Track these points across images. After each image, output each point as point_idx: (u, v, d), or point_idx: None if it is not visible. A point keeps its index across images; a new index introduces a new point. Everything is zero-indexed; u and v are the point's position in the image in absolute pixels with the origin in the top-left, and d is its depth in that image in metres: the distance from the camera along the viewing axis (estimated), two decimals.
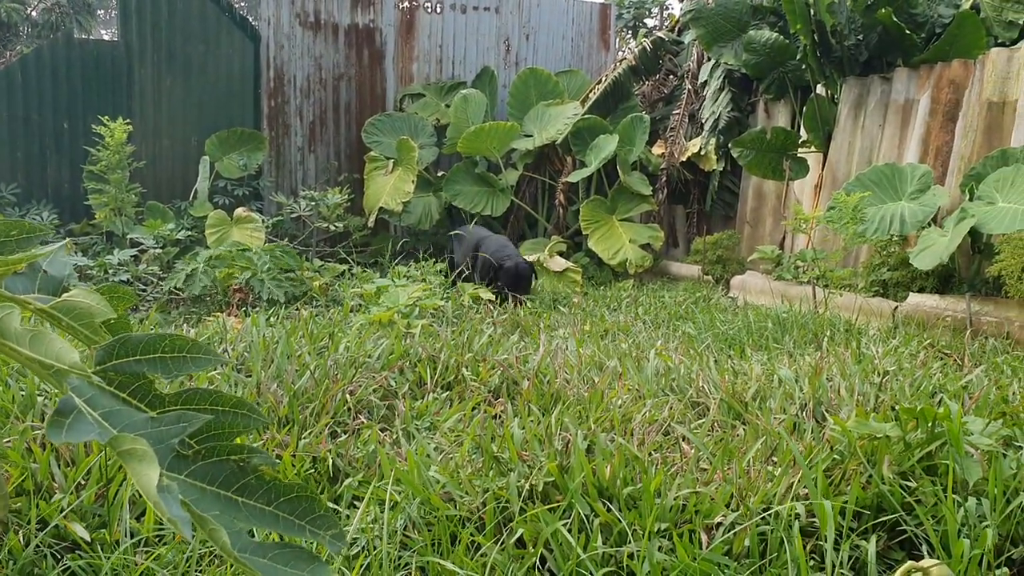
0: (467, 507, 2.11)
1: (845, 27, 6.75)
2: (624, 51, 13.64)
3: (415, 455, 2.27)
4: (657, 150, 8.70)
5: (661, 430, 2.69)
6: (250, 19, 9.15)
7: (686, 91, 8.67)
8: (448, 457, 2.41)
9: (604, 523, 2.02)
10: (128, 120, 7.60)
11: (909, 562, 1.74)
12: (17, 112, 7.98)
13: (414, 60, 9.32)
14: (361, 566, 1.87)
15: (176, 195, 8.42)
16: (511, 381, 3.28)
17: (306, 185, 8.90)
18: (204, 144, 8.36)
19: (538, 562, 1.95)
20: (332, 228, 7.95)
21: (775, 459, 2.42)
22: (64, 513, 1.96)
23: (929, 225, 5.46)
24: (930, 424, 2.27)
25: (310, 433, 2.61)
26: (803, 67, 7.18)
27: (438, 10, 9.35)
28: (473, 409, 2.93)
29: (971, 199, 5.22)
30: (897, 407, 2.47)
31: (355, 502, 2.24)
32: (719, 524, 2.01)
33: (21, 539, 1.88)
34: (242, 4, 19.69)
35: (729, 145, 7.50)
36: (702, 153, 8.21)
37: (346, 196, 8.04)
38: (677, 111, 8.66)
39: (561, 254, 7.73)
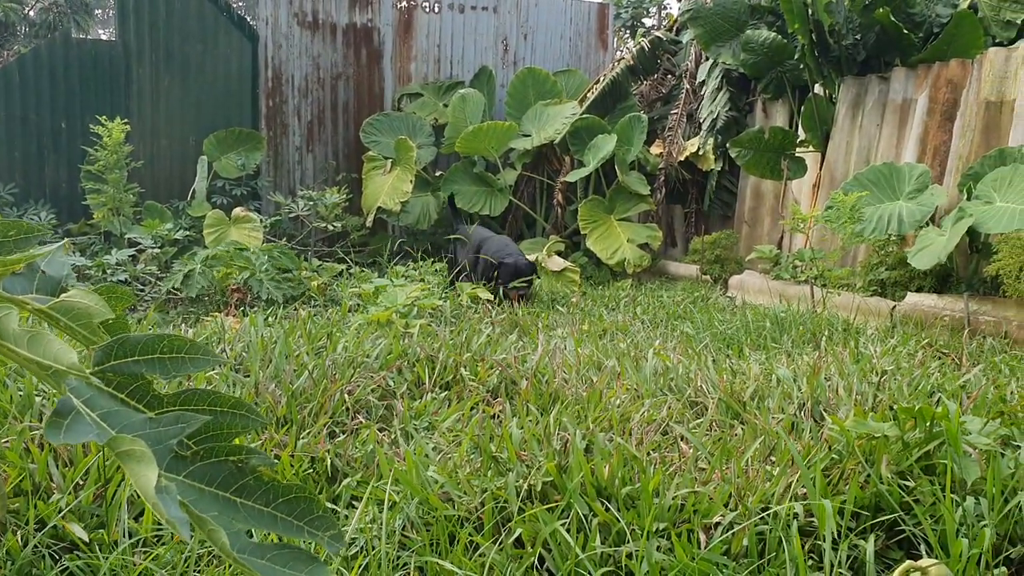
0: (465, 507, 2.11)
1: (843, 27, 6.76)
2: (622, 51, 13.65)
3: (413, 455, 2.27)
4: (655, 150, 8.71)
5: (659, 430, 2.69)
6: (248, 19, 9.14)
7: (684, 91, 8.68)
8: (446, 457, 2.41)
9: (603, 523, 2.02)
10: (126, 120, 7.60)
11: (907, 561, 1.74)
12: (15, 112, 7.97)
13: (412, 60, 9.31)
14: (360, 566, 1.87)
15: (174, 195, 8.42)
16: (509, 381, 3.28)
17: (304, 185, 8.90)
18: (202, 144, 8.36)
19: (536, 562, 1.95)
20: (330, 228, 7.94)
21: (773, 459, 2.42)
22: (62, 513, 1.96)
23: (927, 224, 5.47)
24: (928, 424, 2.28)
25: (308, 433, 2.61)
26: (801, 67, 7.18)
27: (436, 10, 9.35)
28: (471, 409, 2.93)
29: (969, 198, 5.23)
30: (895, 406, 2.48)
31: (353, 502, 2.24)
32: (717, 524, 2.02)
33: (19, 539, 1.88)
34: (240, 4, 19.67)
35: (727, 145, 7.50)
36: (700, 153, 8.22)
37: (344, 196, 8.04)
38: (675, 111, 8.66)
39: (559, 254, 7.74)
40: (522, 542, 2.01)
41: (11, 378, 2.78)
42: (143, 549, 1.94)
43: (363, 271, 6.78)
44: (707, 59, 8.39)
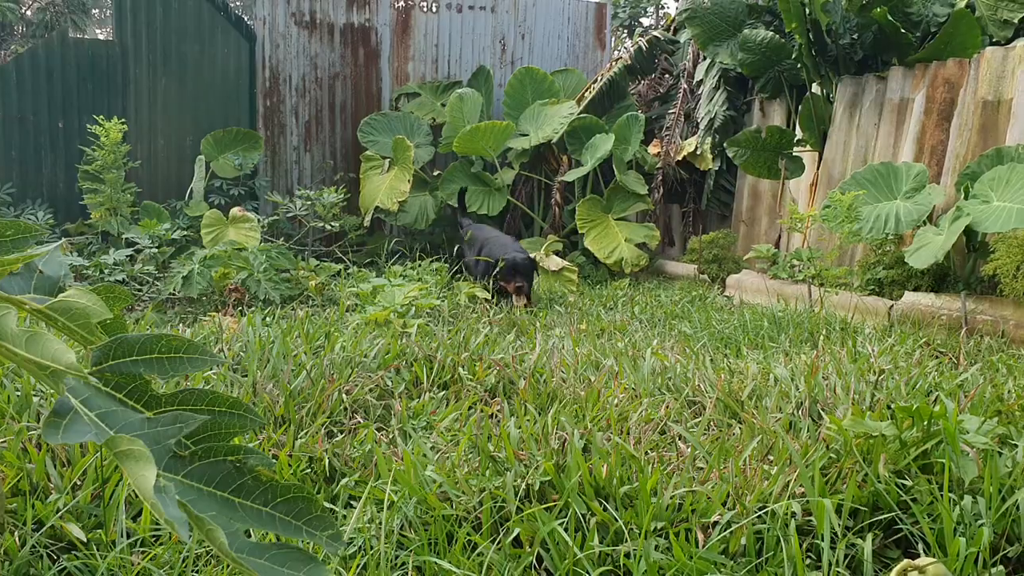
0: (464, 506, 2.11)
1: (840, 26, 6.76)
2: (620, 50, 13.65)
3: (411, 455, 2.27)
4: (653, 149, 8.71)
5: (657, 429, 2.69)
6: (245, 19, 9.12)
7: (682, 90, 8.68)
8: (445, 456, 2.41)
9: (601, 522, 2.02)
10: (123, 120, 7.60)
11: (905, 560, 1.74)
12: (12, 112, 7.96)
13: (410, 59, 9.31)
14: (358, 566, 1.87)
15: (172, 195, 8.41)
16: (507, 380, 3.28)
17: (302, 184, 8.89)
18: (200, 144, 8.35)
19: (535, 561, 1.95)
20: (328, 227, 7.94)
21: (771, 458, 2.42)
22: (60, 513, 1.96)
23: (924, 224, 5.47)
24: (926, 422, 2.28)
25: (306, 433, 2.61)
26: (798, 66, 7.18)
27: (434, 9, 9.35)
28: (469, 408, 2.93)
29: (966, 198, 5.23)
30: (893, 405, 2.48)
31: (352, 502, 2.24)
32: (715, 523, 2.02)
33: (17, 540, 1.88)
34: (237, 4, 19.65)
35: (724, 144, 7.51)
36: (698, 152, 8.22)
37: (342, 195, 8.03)
38: (673, 110, 8.66)
39: (557, 253, 7.74)
40: (520, 542, 2.01)
41: (9, 378, 2.78)
42: (141, 549, 1.94)
43: (361, 271, 6.78)
44: (705, 59, 8.40)
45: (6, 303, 0.98)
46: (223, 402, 1.03)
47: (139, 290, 6.17)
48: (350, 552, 1.95)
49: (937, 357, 3.96)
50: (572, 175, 8.20)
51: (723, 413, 2.92)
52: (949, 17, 6.26)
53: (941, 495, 2.06)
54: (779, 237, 7.55)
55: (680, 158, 8.35)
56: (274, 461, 2.24)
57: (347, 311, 5.00)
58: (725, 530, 1.98)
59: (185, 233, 7.48)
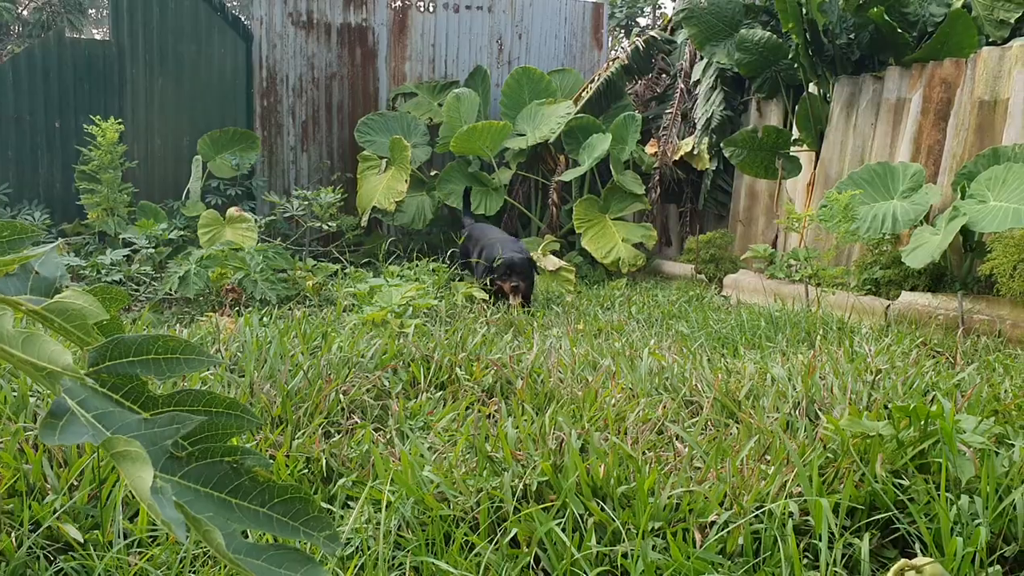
0: (461, 507, 2.11)
1: (837, 26, 6.77)
2: (617, 50, 13.66)
3: (409, 455, 2.27)
4: (650, 149, 8.72)
5: (655, 429, 2.69)
6: (242, 18, 9.12)
7: (679, 90, 8.69)
8: (442, 457, 2.41)
9: (598, 522, 2.02)
10: (120, 120, 7.58)
11: (902, 560, 1.74)
12: (8, 112, 7.94)
13: (407, 59, 9.31)
14: (355, 566, 1.87)
15: (168, 195, 8.40)
16: (505, 380, 3.28)
17: (299, 185, 8.88)
18: (196, 144, 8.34)
19: (532, 562, 1.95)
20: (325, 228, 7.93)
21: (768, 457, 2.43)
22: (57, 514, 1.96)
23: (921, 223, 5.48)
24: (923, 422, 2.28)
25: (304, 433, 2.60)
26: (795, 66, 7.19)
27: (431, 9, 9.34)
28: (467, 409, 2.93)
29: (963, 197, 5.24)
30: (890, 405, 2.48)
31: (349, 502, 2.24)
32: (713, 523, 2.02)
33: (14, 540, 1.88)
34: (234, 3, 19.62)
35: (721, 144, 7.51)
36: (695, 152, 8.23)
37: (339, 195, 8.03)
38: (670, 110, 8.67)
39: (555, 253, 7.74)
40: (518, 542, 2.01)
41: (5, 379, 2.77)
42: (138, 550, 1.94)
43: (358, 271, 6.77)
44: (702, 58, 8.40)
45: (2, 304, 0.97)
46: (220, 403, 1.02)
47: (136, 290, 6.16)
48: (347, 552, 1.95)
49: (934, 357, 3.97)
50: (569, 175, 8.20)
51: (720, 413, 2.92)
52: (946, 17, 6.27)
53: (938, 495, 2.06)
54: (776, 237, 7.56)
55: (677, 158, 8.35)
56: (271, 462, 2.25)
57: (344, 311, 4.99)
58: (722, 530, 1.98)
59: (182, 233, 7.48)
